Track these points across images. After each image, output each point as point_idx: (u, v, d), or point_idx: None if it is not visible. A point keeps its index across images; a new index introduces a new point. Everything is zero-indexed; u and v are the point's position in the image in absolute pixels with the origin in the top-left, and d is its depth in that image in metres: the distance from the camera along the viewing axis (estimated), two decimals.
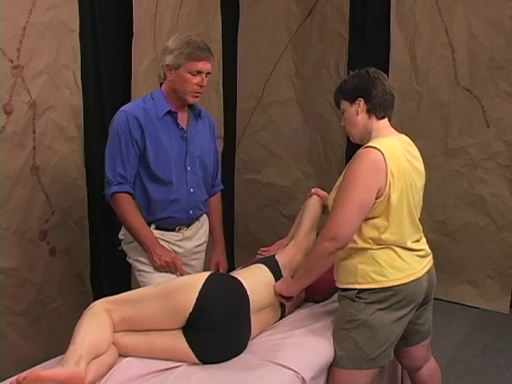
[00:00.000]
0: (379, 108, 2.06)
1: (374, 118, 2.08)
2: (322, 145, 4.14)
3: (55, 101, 2.76)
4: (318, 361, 2.01)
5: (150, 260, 2.34)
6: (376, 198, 1.95)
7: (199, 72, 2.26)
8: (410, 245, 2.05)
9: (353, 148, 3.88)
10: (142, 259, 2.38)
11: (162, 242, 2.39)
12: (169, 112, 2.33)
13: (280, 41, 4.14)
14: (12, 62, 2.52)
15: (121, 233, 2.47)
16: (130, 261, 2.45)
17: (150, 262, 2.35)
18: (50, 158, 2.78)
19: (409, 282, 2.01)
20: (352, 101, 2.08)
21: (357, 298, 2.02)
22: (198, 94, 2.32)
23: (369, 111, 2.07)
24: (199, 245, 2.56)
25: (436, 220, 3.82)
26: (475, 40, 3.54)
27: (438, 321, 2.48)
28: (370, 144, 1.99)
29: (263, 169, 4.32)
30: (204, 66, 2.27)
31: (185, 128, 2.38)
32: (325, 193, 2.47)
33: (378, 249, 2.00)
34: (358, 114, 2.08)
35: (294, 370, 1.90)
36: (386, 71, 3.79)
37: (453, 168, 3.72)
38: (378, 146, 1.96)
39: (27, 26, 2.55)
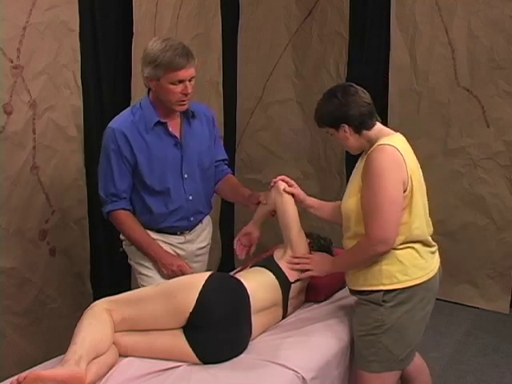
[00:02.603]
0: (365, 123, 2.04)
1: (365, 132, 2.05)
2: (321, 145, 4.14)
3: (55, 101, 2.76)
4: (318, 360, 2.01)
5: (158, 269, 2.33)
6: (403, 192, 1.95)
7: (181, 81, 2.13)
8: (428, 240, 2.08)
9: None
10: (143, 262, 2.37)
11: (164, 245, 2.38)
12: (158, 122, 2.25)
13: (280, 41, 4.14)
14: (12, 62, 2.52)
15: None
16: (132, 263, 2.44)
17: (158, 271, 2.34)
18: (49, 158, 2.78)
19: (427, 280, 2.03)
20: (336, 127, 2.06)
21: (383, 302, 2.01)
22: (184, 102, 2.19)
23: (357, 131, 2.05)
24: (202, 247, 2.54)
25: (436, 220, 3.78)
26: (475, 40, 3.53)
27: (437, 321, 2.48)
28: (381, 142, 1.98)
29: (263, 169, 4.30)
30: (185, 73, 2.12)
31: (178, 135, 2.31)
32: (295, 189, 2.33)
33: (402, 248, 2.01)
34: (348, 138, 2.06)
35: (294, 370, 1.91)
36: (386, 71, 3.79)
37: (453, 168, 3.72)
38: (390, 143, 1.96)
39: (27, 26, 2.55)
